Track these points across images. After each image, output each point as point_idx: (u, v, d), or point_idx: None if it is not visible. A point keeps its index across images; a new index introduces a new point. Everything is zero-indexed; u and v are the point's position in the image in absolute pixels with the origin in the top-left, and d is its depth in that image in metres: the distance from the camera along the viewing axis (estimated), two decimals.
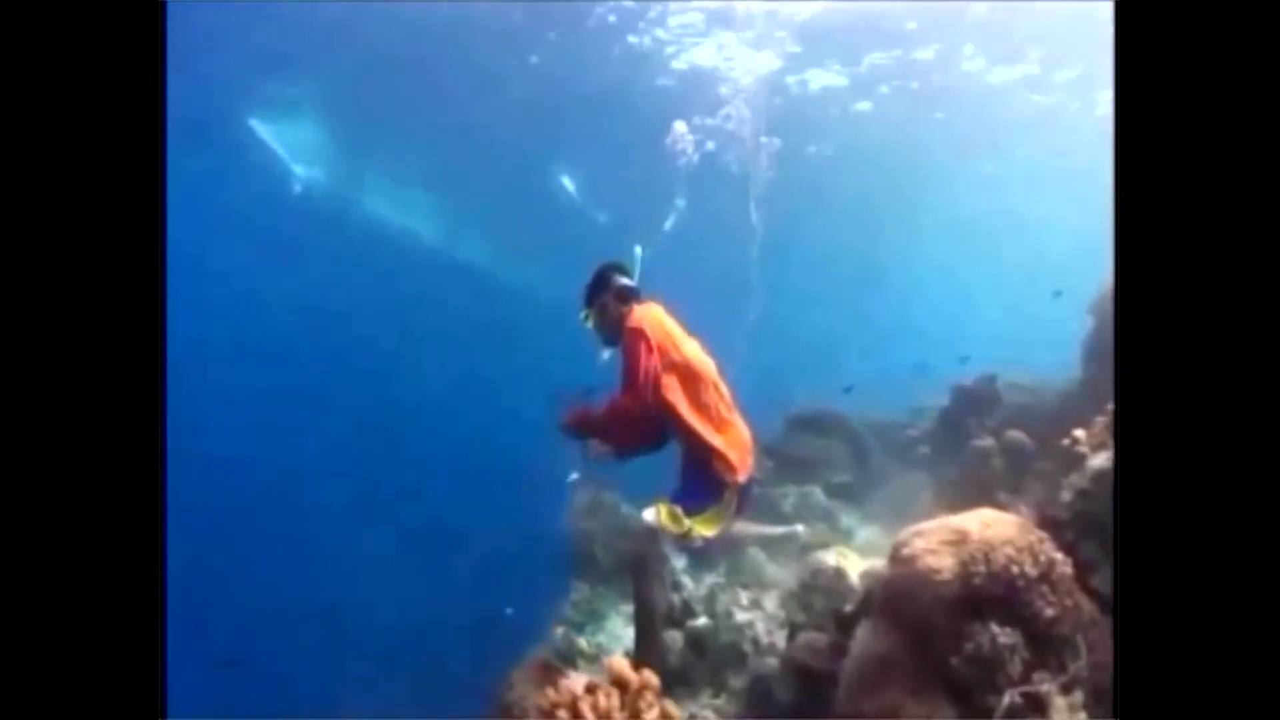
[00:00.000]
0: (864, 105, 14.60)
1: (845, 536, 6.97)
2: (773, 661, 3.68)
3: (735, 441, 3.38)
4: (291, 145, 17.08)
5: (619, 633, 6.87)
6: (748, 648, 4.01)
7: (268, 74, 13.66)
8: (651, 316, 3.46)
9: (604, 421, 3.42)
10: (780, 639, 4.05)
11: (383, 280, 19.84)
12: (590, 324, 3.66)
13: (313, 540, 15.22)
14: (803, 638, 2.98)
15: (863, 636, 2.62)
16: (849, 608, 2.94)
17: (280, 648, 11.10)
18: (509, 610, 7.76)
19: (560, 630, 6.62)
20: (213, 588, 13.41)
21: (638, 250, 3.57)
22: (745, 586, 5.27)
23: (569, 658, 6.45)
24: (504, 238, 20.08)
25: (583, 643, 6.56)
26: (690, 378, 3.37)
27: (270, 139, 16.67)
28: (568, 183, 18.53)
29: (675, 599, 4.95)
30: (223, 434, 18.14)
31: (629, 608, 7.39)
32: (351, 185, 18.65)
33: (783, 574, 6.16)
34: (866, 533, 7.16)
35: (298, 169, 17.84)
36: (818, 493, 7.32)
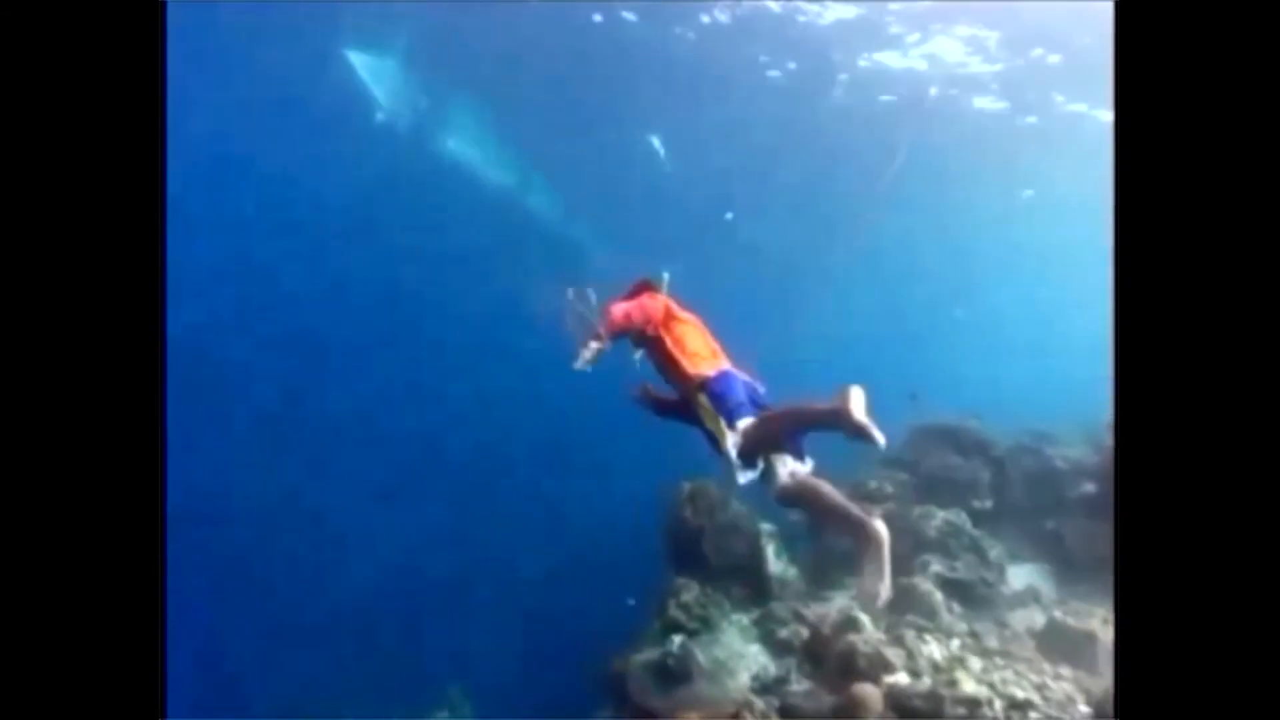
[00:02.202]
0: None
1: (998, 572, 6.30)
2: None
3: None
4: (379, 77, 16.60)
5: (737, 648, 6.29)
6: None
7: (366, 8, 13.13)
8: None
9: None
10: None
11: (454, 221, 19.24)
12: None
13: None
14: None
15: None
16: None
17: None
18: (630, 601, 7.29)
19: (678, 639, 6.04)
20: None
21: (665, 275, 3.87)
22: (930, 633, 4.61)
23: (686, 672, 5.89)
24: (584, 197, 19.36)
25: (700, 656, 5.99)
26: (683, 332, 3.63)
27: (359, 68, 16.21)
28: (657, 143, 17.70)
29: (859, 642, 4.31)
30: (292, 360, 18.06)
31: (743, 617, 6.84)
32: (432, 123, 18.07)
33: (952, 618, 5.48)
34: (1021, 573, 6.47)
35: (382, 100, 17.32)
36: (964, 518, 6.63)
